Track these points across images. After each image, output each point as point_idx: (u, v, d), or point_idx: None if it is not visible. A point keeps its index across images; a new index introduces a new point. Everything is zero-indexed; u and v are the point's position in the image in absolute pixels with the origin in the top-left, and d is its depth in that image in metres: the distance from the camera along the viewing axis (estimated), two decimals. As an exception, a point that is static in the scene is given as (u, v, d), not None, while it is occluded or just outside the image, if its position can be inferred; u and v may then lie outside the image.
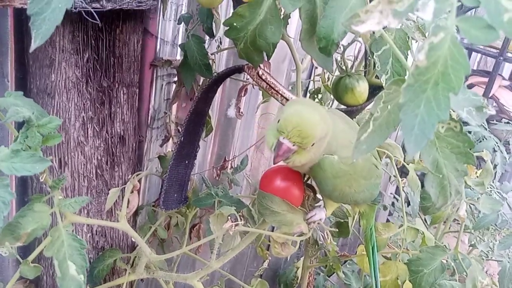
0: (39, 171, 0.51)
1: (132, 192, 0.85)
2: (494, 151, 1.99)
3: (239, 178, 1.25)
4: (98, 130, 0.83)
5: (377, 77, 0.81)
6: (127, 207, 0.84)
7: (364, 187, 0.73)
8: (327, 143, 0.64)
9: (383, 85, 0.63)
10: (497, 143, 2.03)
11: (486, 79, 2.39)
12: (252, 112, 1.28)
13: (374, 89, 0.81)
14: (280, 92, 0.79)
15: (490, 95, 2.37)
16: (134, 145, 0.91)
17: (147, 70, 1.01)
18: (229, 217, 0.73)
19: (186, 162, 0.93)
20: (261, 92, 1.28)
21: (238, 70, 0.83)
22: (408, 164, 1.03)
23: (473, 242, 1.66)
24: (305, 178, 0.79)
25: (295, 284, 1.60)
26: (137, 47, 0.85)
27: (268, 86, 0.80)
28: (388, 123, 0.51)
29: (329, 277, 1.49)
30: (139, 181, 0.95)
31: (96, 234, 0.90)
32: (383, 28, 0.48)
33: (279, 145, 0.61)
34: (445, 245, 0.79)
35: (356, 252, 1.17)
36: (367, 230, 0.85)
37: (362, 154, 0.50)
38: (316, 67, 1.35)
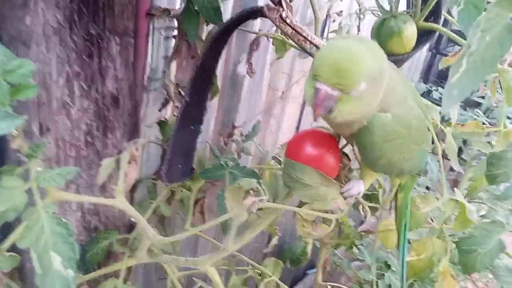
0: (7, 132, 0.37)
1: (129, 162, 0.71)
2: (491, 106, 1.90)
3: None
4: (86, 89, 0.69)
5: (426, 19, 0.67)
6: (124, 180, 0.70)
7: (414, 154, 0.60)
8: (384, 95, 0.50)
9: (455, 19, 0.49)
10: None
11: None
12: (261, 72, 1.13)
13: (423, 35, 0.67)
14: (309, 38, 0.65)
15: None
16: (129, 107, 0.77)
17: (142, 20, 0.85)
18: (250, 192, 0.60)
19: (192, 127, 0.79)
20: (271, 48, 1.13)
21: (256, 13, 0.68)
22: (445, 128, 0.90)
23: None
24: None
25: (304, 260, 1.50)
26: (131, -14, 0.69)
27: (293, 31, 0.65)
28: (485, 60, 0.38)
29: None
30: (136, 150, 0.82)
31: (88, 212, 0.76)
32: None
33: (316, 93, 0.47)
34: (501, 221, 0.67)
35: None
36: (403, 205, 0.73)
37: (454, 102, 0.37)
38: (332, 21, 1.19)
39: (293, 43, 0.74)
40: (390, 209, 0.76)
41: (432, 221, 0.95)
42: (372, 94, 0.48)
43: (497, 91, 0.90)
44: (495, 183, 0.57)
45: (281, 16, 0.66)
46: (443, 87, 2.32)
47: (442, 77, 2.45)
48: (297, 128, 1.32)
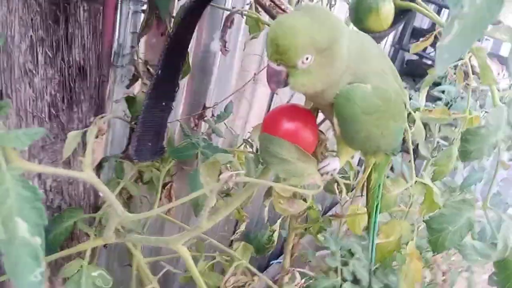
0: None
1: (96, 137, 0.67)
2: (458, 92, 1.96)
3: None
4: (51, 56, 0.64)
5: (403, -2, 0.67)
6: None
7: (391, 130, 0.60)
8: (352, 68, 0.51)
9: None
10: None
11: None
12: (233, 52, 1.11)
13: (399, 13, 0.67)
14: (288, 11, 0.63)
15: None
16: (97, 80, 0.73)
17: (110, -9, 0.81)
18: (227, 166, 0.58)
19: (163, 103, 0.76)
20: (243, 27, 1.11)
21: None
22: (414, 112, 0.91)
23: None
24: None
25: (270, 248, 1.49)
26: None
27: (271, 3, 0.64)
28: (475, 23, 0.37)
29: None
30: (102, 128, 0.77)
31: (51, 190, 0.72)
32: None
33: (266, 70, 0.49)
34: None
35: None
36: (376, 186, 0.73)
37: (445, 65, 0.36)
38: None
39: (267, 21, 0.73)
40: (362, 189, 0.77)
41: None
42: (325, 64, 0.48)
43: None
44: (468, 159, 0.58)
45: (260, -13, 0.64)
46: (406, 82, 2.37)
47: (405, 73, 2.51)
48: (268, 107, 1.31)
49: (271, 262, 2.03)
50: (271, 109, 1.24)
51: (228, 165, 0.75)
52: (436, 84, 2.30)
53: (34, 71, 0.63)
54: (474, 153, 0.57)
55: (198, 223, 0.63)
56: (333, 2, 1.09)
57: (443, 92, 2.13)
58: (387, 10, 0.64)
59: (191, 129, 0.99)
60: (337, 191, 0.80)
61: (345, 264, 1.42)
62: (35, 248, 0.38)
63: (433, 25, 2.49)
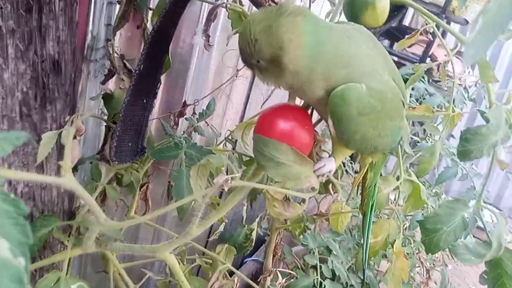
0: None
1: (74, 137, 0.62)
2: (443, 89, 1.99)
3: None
4: (22, 49, 0.58)
5: (397, -7, 0.65)
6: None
7: (388, 130, 0.58)
8: (337, 70, 0.50)
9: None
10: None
11: (426, 38, 2.37)
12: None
13: (393, 9, 0.65)
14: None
15: (430, 53, 2.36)
16: (72, 75, 0.67)
17: (84, -21, 0.76)
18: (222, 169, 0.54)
19: (144, 100, 0.71)
20: (221, 21, 1.07)
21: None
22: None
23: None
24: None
25: (248, 247, 1.46)
26: None
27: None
28: (496, 19, 0.36)
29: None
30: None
31: (22, 196, 0.66)
32: None
33: None
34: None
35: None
36: (372, 184, 0.71)
37: (472, 61, 0.34)
38: None
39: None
40: (358, 189, 0.75)
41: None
42: (279, 71, 0.49)
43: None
44: (468, 159, 0.57)
45: (251, -22, 0.60)
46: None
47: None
48: (246, 104, 1.28)
49: (245, 260, 2.01)
50: (246, 106, 1.21)
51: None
52: (404, 80, 2.33)
53: (3, 66, 0.57)
54: (474, 153, 0.56)
55: (187, 230, 0.59)
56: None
57: (412, 88, 2.16)
58: (383, 6, 0.62)
59: (171, 128, 0.95)
60: (332, 192, 0.78)
61: (323, 261, 1.41)
62: (18, 270, 0.33)
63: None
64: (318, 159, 0.62)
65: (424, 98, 2.13)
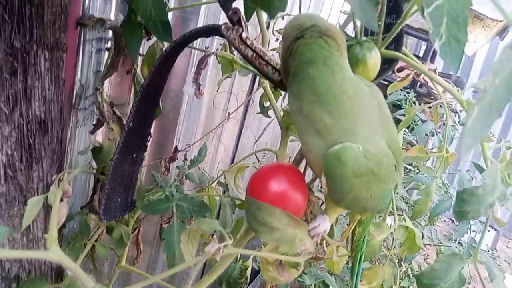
0: None
1: (61, 200, 0.60)
2: (432, 134, 1.98)
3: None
4: (7, 113, 0.57)
5: (388, 47, 0.65)
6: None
7: (381, 193, 0.56)
8: (339, 126, 0.50)
9: (438, 52, 0.46)
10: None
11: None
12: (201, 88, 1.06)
13: (384, 63, 0.65)
14: (272, 62, 0.59)
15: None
16: (59, 133, 0.66)
17: (72, 31, 0.74)
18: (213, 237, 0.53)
19: (134, 155, 0.70)
20: (211, 65, 1.06)
21: (212, 31, 0.62)
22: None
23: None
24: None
25: (244, 284, 1.43)
26: (64, -8, 0.59)
27: (254, 54, 0.59)
28: (493, 104, 0.35)
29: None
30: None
31: (7, 259, 0.64)
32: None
33: None
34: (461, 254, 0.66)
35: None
36: (361, 239, 0.70)
37: (469, 150, 0.33)
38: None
39: (251, 67, 0.69)
40: (347, 242, 0.73)
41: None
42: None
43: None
44: (465, 219, 0.56)
45: (240, 36, 0.59)
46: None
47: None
48: (236, 146, 1.26)
49: (240, 292, 1.97)
50: (237, 148, 1.20)
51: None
52: (396, 106, 2.34)
53: (-13, 131, 0.55)
54: (471, 213, 0.55)
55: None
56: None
57: (404, 115, 2.16)
58: (374, 61, 0.61)
59: (162, 173, 0.93)
60: (325, 252, 0.76)
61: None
62: None
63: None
64: (312, 218, 0.61)
65: (416, 124, 2.13)
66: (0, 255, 0.43)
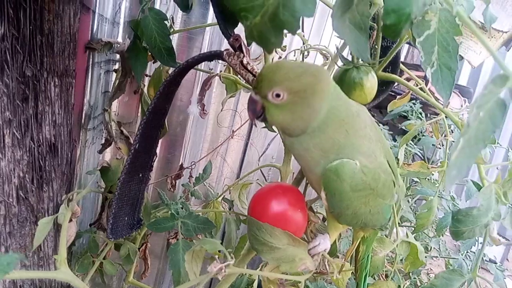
0: None
1: (70, 220, 0.63)
2: (436, 146, 1.99)
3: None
4: (19, 137, 0.60)
5: (385, 69, 0.67)
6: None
7: (380, 208, 0.58)
8: (341, 143, 0.51)
9: (429, 79, 0.48)
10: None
11: (421, 73, 2.39)
12: (206, 106, 1.08)
13: (381, 85, 0.67)
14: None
15: (427, 88, 2.38)
16: (69, 154, 0.68)
17: (81, 54, 0.78)
18: (216, 257, 0.54)
19: (140, 175, 0.72)
20: (215, 83, 1.09)
21: (214, 57, 0.64)
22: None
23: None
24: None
25: (249, 296, 1.45)
26: (73, 21, 0.62)
27: (255, 78, 0.61)
28: (478, 136, 0.37)
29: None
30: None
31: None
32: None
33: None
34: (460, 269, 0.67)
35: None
36: (365, 256, 0.72)
37: (454, 182, 0.35)
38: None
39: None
40: (351, 260, 0.75)
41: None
42: (298, 105, 0.49)
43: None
44: (461, 238, 0.57)
45: (241, 62, 0.62)
46: (373, 113, 2.39)
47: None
48: (242, 162, 1.29)
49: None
50: (242, 164, 1.21)
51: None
52: (403, 116, 2.34)
53: (0, 155, 0.58)
54: (466, 234, 0.56)
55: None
56: (305, 54, 1.08)
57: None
58: (371, 84, 0.63)
59: (168, 190, 0.95)
60: (327, 270, 0.78)
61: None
62: None
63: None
64: (312, 237, 0.63)
65: (423, 135, 2.13)
66: (14, 276, 0.45)
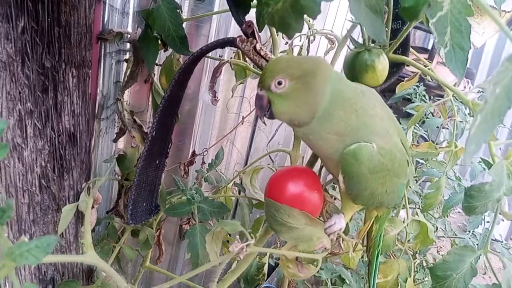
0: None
1: (92, 207, 0.65)
2: (441, 128, 2.00)
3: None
4: (40, 128, 0.61)
5: (396, 51, 0.68)
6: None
7: (395, 187, 0.60)
8: (355, 127, 0.52)
9: (444, 61, 0.49)
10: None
11: (425, 55, 2.40)
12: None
13: (392, 67, 0.68)
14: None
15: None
16: (87, 143, 0.70)
17: (94, 45, 0.79)
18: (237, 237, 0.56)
19: (157, 162, 0.74)
20: (224, 69, 1.10)
21: (227, 43, 0.65)
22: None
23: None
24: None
25: (262, 280, 1.47)
26: (89, 12, 0.63)
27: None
28: (494, 111, 0.38)
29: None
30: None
31: (43, 262, 0.68)
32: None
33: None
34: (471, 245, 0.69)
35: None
36: (377, 235, 0.73)
37: (472, 156, 0.36)
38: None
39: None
40: (362, 239, 0.77)
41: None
42: (301, 90, 0.51)
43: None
44: (474, 213, 0.59)
45: (255, 48, 0.63)
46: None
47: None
48: (250, 147, 1.30)
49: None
50: (251, 150, 1.23)
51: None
52: (406, 99, 2.35)
53: (23, 145, 0.60)
54: (479, 209, 0.58)
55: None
56: (312, 38, 1.09)
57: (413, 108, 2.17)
58: (383, 66, 0.64)
59: (181, 177, 0.97)
60: (342, 249, 0.80)
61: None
62: None
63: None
64: (328, 217, 0.65)
65: (427, 117, 2.14)
66: (46, 259, 0.47)
